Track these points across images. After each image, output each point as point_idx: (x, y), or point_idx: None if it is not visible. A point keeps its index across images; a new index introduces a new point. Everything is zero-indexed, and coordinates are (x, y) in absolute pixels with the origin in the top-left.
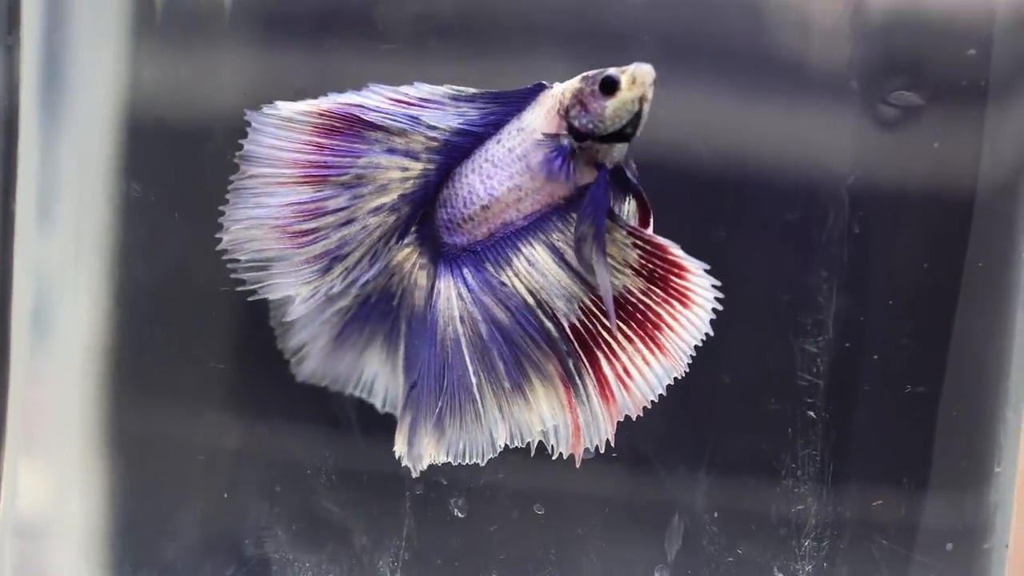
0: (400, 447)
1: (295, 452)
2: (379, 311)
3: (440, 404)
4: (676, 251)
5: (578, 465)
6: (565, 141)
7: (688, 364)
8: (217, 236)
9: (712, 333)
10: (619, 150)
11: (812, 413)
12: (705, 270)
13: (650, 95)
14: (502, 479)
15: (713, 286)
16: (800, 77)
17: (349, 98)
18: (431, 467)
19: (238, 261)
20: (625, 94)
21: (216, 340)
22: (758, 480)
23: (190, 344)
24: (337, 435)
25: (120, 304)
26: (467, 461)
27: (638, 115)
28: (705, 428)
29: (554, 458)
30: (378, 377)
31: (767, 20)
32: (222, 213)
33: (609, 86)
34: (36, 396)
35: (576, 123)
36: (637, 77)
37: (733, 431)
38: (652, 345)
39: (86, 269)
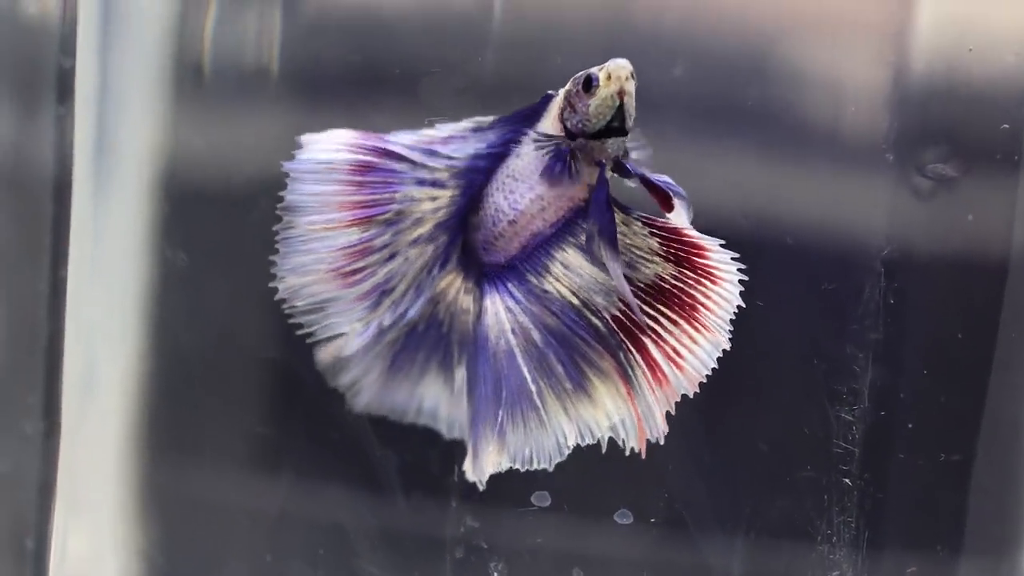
0: (467, 465)
1: (338, 515)
2: (430, 339)
3: (500, 415)
4: (690, 232)
5: (643, 457)
6: (563, 144)
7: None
8: (265, 301)
9: (744, 305)
10: (613, 145)
11: (847, 480)
12: (721, 244)
13: (629, 88)
14: (541, 543)
15: (733, 259)
16: (836, 149)
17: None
18: (471, 530)
19: (296, 307)
20: (604, 90)
21: (260, 405)
22: (794, 546)
23: (234, 409)
24: (380, 498)
25: (166, 370)
26: (535, 466)
27: (620, 109)
28: (742, 494)
29: (627, 454)
30: (440, 404)
31: (804, 91)
32: (267, 281)
33: (588, 84)
34: (81, 458)
35: (568, 124)
36: (613, 73)
37: (769, 497)
38: (695, 324)
39: (133, 334)
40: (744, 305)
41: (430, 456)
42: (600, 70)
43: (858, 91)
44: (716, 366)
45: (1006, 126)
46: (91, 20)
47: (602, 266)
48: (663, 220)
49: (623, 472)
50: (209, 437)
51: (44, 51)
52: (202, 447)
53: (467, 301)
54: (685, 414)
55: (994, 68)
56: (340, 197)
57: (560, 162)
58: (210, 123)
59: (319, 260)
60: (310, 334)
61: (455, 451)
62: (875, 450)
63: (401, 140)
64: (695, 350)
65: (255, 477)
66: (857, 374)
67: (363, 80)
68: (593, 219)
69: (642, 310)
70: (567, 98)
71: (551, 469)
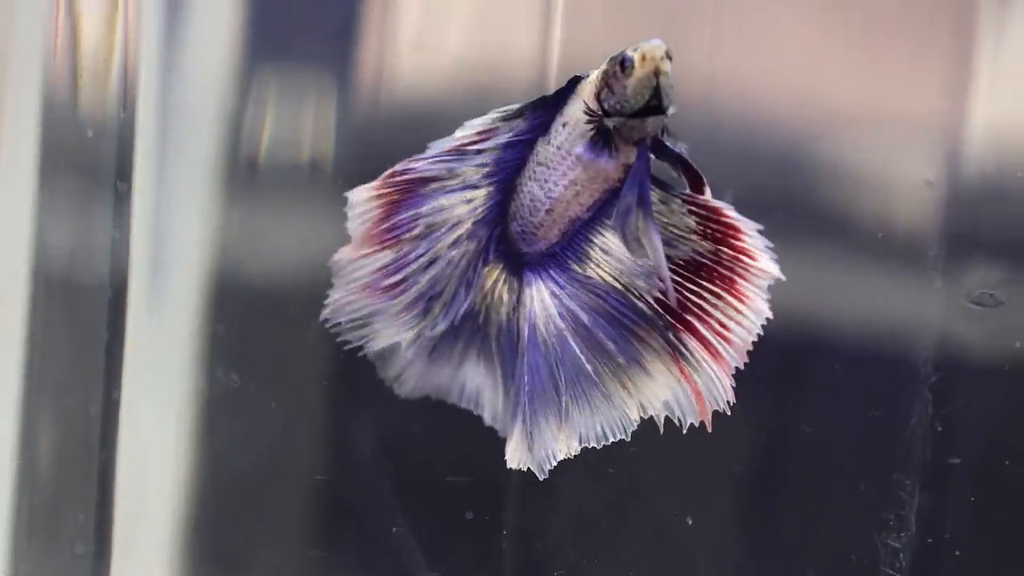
0: (517, 456)
1: None
2: (467, 330)
3: (564, 399)
4: (730, 212)
5: (710, 430)
6: (602, 124)
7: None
8: (316, 424)
9: (784, 278)
10: (653, 124)
11: None
12: (758, 230)
13: (664, 67)
14: None
15: (767, 247)
16: (884, 276)
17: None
18: None
19: (340, 325)
20: (639, 71)
21: (309, 528)
22: None
23: (284, 531)
24: None
25: (216, 491)
26: (611, 439)
27: (658, 88)
28: None
29: (685, 431)
30: (481, 390)
31: (852, 221)
32: (317, 403)
33: (624, 66)
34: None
35: (606, 104)
36: (647, 54)
37: None
38: (737, 295)
39: (184, 455)
40: (784, 278)
41: None
42: (635, 51)
43: (907, 216)
44: (761, 332)
45: None
46: (148, 142)
47: (635, 241)
48: (703, 199)
49: None
50: (259, 559)
51: (101, 175)
52: (251, 569)
53: (503, 292)
54: (734, 540)
55: None
56: (365, 228)
57: (602, 140)
58: (264, 241)
59: (355, 280)
60: (359, 455)
61: (503, 570)
62: None
63: (431, 154)
64: (741, 320)
65: None
66: (904, 500)
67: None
68: (630, 192)
69: (683, 287)
70: (604, 79)
71: (628, 439)
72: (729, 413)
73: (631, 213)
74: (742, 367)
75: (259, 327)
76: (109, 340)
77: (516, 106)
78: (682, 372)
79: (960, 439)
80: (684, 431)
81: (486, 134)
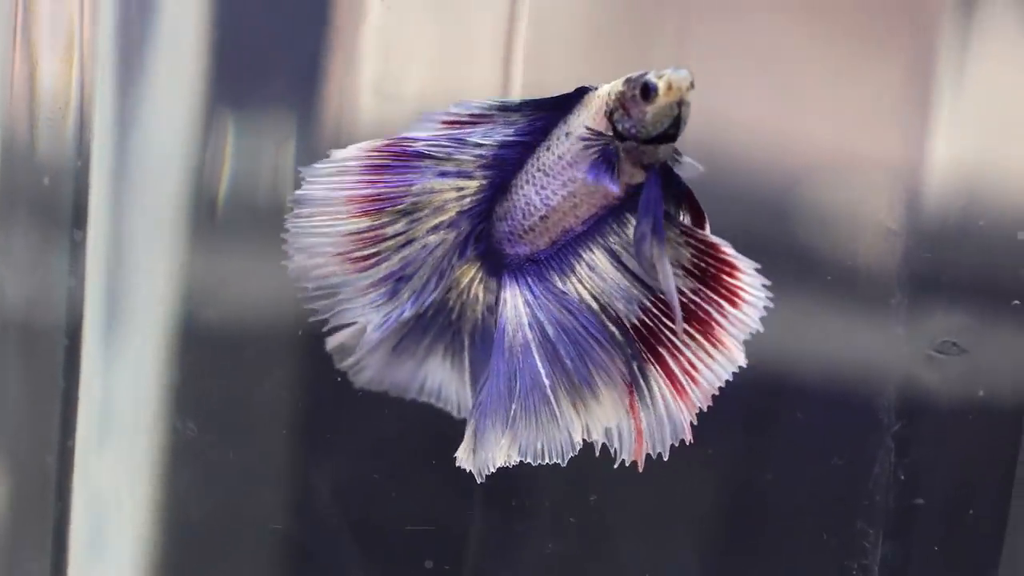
0: (464, 455)
1: None
2: (438, 324)
3: (513, 408)
4: (728, 250)
5: (640, 469)
6: (611, 145)
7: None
8: (274, 473)
9: (762, 330)
10: (664, 150)
11: None
12: (756, 269)
13: (688, 98)
14: None
15: (764, 285)
16: (847, 325)
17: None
18: None
19: (306, 290)
20: (663, 100)
21: None
22: None
23: None
24: None
25: (174, 540)
26: (547, 460)
27: (678, 117)
28: None
29: (615, 466)
30: (445, 385)
31: (813, 276)
32: (275, 452)
33: (647, 92)
34: None
35: (619, 127)
36: (673, 83)
37: None
38: (712, 338)
39: (142, 504)
40: (762, 329)
41: None
42: (659, 79)
43: (870, 264)
44: (730, 379)
45: (1017, 302)
46: (105, 189)
47: (651, 267)
48: (702, 233)
49: None
50: None
51: (57, 222)
52: None
53: (480, 290)
54: None
55: (1007, 243)
56: (349, 193)
57: (607, 163)
58: (222, 288)
59: (327, 243)
60: (318, 504)
61: None
62: None
63: (429, 129)
64: (711, 364)
65: None
66: (868, 550)
67: None
68: (645, 219)
69: (659, 320)
70: (620, 101)
71: (564, 464)
72: (687, 443)
73: (646, 240)
74: (705, 409)
75: (217, 375)
76: (65, 388)
77: (516, 99)
78: (632, 407)
79: (923, 487)
80: (615, 465)
81: (481, 119)
